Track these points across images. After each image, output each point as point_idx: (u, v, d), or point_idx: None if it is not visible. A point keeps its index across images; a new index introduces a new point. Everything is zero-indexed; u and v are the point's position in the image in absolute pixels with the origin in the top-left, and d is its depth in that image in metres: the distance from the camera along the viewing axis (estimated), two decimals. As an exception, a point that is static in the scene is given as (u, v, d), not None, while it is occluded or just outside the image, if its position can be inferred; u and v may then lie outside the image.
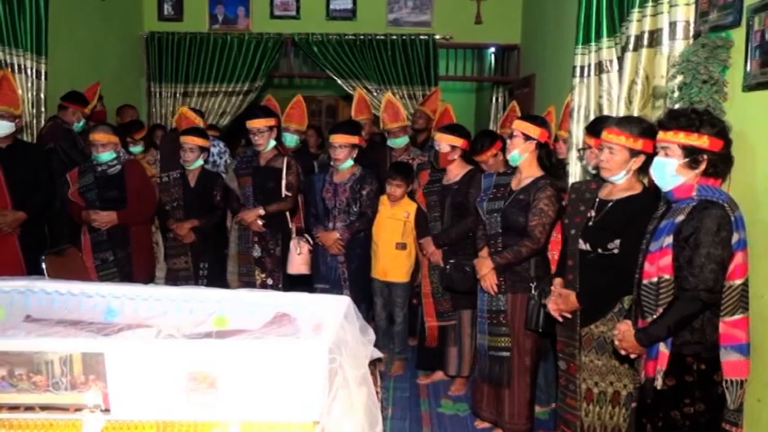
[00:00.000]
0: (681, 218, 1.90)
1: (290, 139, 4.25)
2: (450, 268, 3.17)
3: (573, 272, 2.42)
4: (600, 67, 3.14)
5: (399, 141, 4.22)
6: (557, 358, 2.67)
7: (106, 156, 3.57)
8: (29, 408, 1.55)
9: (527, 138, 2.73)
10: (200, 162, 3.83)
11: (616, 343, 2.09)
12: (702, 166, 1.92)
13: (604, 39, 3.10)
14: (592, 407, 2.38)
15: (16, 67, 3.87)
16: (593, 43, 3.19)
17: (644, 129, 2.24)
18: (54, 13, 4.20)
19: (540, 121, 2.84)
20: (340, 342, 1.73)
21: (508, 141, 2.80)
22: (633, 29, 2.74)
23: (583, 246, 2.38)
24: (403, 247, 3.74)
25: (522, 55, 6.31)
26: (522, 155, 2.76)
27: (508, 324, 2.80)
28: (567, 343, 2.48)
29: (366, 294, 3.84)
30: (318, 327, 1.98)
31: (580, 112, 3.27)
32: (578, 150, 3.13)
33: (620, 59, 2.92)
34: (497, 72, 6.86)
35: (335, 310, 1.95)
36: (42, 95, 4.10)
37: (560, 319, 2.46)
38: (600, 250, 2.32)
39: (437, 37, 6.21)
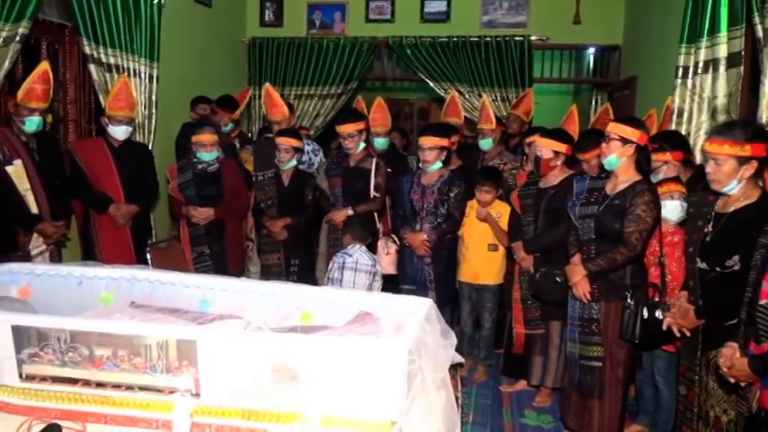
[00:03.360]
0: None
1: (380, 143, 4.30)
2: (540, 277, 3.07)
3: (694, 293, 2.30)
4: (704, 67, 2.94)
5: (484, 143, 4.18)
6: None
7: (209, 155, 3.77)
8: (129, 387, 1.67)
9: (625, 141, 2.60)
10: (294, 162, 3.96)
11: (724, 370, 1.95)
12: None
13: (704, 39, 2.90)
14: None
15: (132, 71, 4.18)
16: (704, 39, 2.99)
17: (751, 133, 2.07)
18: (166, 22, 4.49)
19: (638, 123, 2.68)
20: (420, 344, 1.72)
21: (603, 145, 2.67)
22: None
23: (700, 264, 2.24)
24: (495, 248, 3.68)
25: (624, 55, 6.02)
26: (619, 159, 2.62)
27: (601, 333, 2.67)
28: (689, 368, 2.37)
29: (451, 298, 3.81)
30: (400, 327, 1.99)
31: (682, 115, 3.08)
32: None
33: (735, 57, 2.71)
34: (596, 74, 6.59)
35: (417, 311, 1.94)
36: (154, 98, 4.40)
37: (678, 334, 2.33)
38: (718, 269, 2.17)
39: (533, 38, 6.05)
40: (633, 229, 2.55)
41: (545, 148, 3.23)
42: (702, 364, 2.30)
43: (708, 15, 2.90)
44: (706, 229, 2.25)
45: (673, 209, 2.79)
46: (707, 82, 3.03)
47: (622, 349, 2.67)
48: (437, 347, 1.86)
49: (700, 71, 3.05)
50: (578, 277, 2.67)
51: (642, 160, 2.66)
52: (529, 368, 3.47)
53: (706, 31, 2.92)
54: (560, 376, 3.26)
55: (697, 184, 2.80)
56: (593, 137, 3.19)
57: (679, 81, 3.15)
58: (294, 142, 3.91)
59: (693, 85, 3.11)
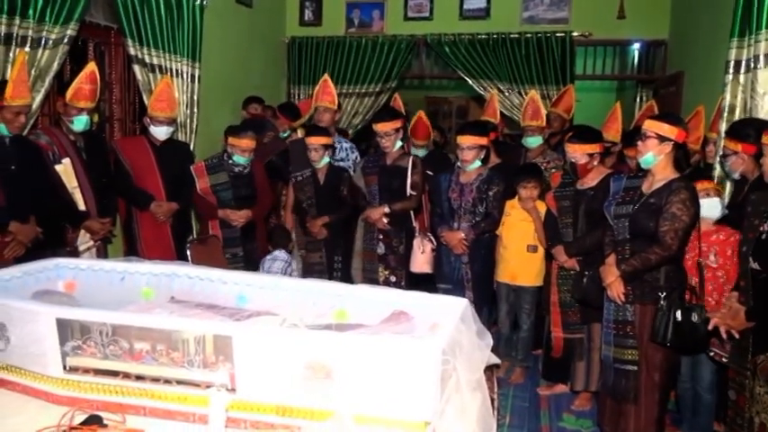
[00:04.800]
0: None
1: (420, 153, 4.30)
2: (587, 280, 2.99)
3: (745, 293, 2.22)
4: (756, 62, 2.81)
5: (533, 141, 4.08)
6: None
7: (244, 160, 3.78)
8: (167, 380, 1.70)
9: (662, 139, 2.51)
10: (327, 160, 3.97)
11: None
12: None
13: (764, 31, 2.77)
14: None
15: (175, 71, 4.27)
16: (762, 31, 2.85)
17: None
18: (207, 23, 4.57)
19: (675, 120, 2.59)
20: (455, 344, 1.70)
21: (639, 143, 2.58)
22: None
23: (753, 265, 2.16)
24: (534, 249, 3.62)
25: (670, 51, 5.84)
26: (656, 157, 2.53)
27: (636, 336, 2.60)
28: (738, 371, 2.29)
29: (488, 298, 3.76)
30: (435, 327, 1.97)
31: (734, 112, 2.95)
32: (720, 157, 2.85)
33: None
34: (641, 70, 6.40)
35: (452, 311, 1.92)
36: (195, 97, 4.48)
37: (724, 336, 2.25)
38: None
39: (575, 34, 5.93)
40: (668, 228, 2.47)
41: (578, 153, 3.15)
42: (750, 369, 2.21)
43: (766, 7, 2.76)
44: (762, 228, 2.16)
45: (711, 207, 2.69)
46: (764, 77, 2.88)
47: (659, 353, 2.58)
48: (472, 348, 1.84)
49: (755, 66, 2.90)
50: (612, 278, 2.60)
51: (681, 158, 2.58)
52: (571, 373, 3.40)
53: (765, 24, 2.78)
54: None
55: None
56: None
57: (730, 77, 3.01)
58: (323, 140, 3.93)
59: (747, 81, 2.97)
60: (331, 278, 3.79)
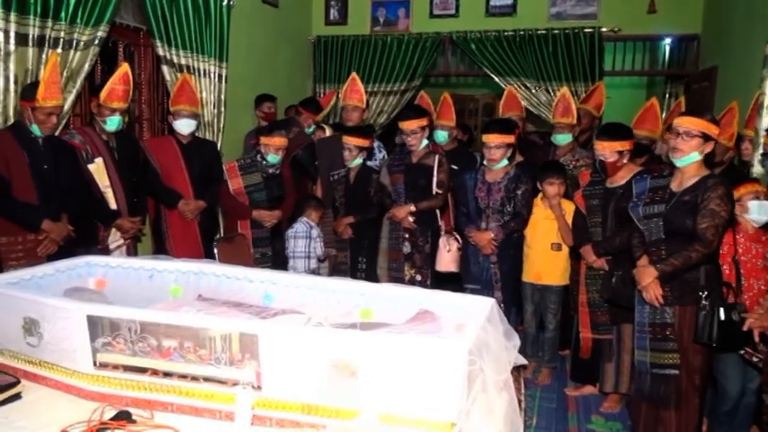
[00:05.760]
0: None
1: (441, 136, 4.25)
2: (617, 280, 2.94)
3: None
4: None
5: (562, 138, 4.01)
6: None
7: (277, 159, 3.79)
8: (194, 378, 1.71)
9: (706, 138, 2.45)
10: (359, 161, 3.98)
11: None
12: None
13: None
14: None
15: (202, 71, 4.32)
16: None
17: None
18: (234, 23, 4.61)
19: (712, 117, 2.55)
20: (481, 344, 1.68)
21: (678, 141, 2.51)
22: None
23: None
24: (558, 247, 3.57)
25: (703, 45, 5.70)
26: (699, 156, 2.48)
27: (676, 339, 2.53)
28: None
29: (517, 297, 3.72)
30: (461, 327, 1.95)
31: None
32: (761, 155, 2.77)
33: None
34: (672, 65, 6.26)
35: (478, 311, 1.90)
36: (222, 97, 4.53)
37: (757, 338, 2.20)
38: None
39: (604, 29, 5.82)
40: (708, 225, 2.41)
41: (607, 150, 3.09)
42: None
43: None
44: None
45: (759, 209, 2.63)
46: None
47: (699, 355, 2.52)
48: (499, 348, 1.81)
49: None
50: (649, 279, 2.54)
51: (710, 154, 2.54)
52: (600, 375, 3.34)
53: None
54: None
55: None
56: None
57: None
58: (358, 141, 3.93)
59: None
60: (354, 278, 3.78)
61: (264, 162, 3.80)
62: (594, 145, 3.16)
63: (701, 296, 2.44)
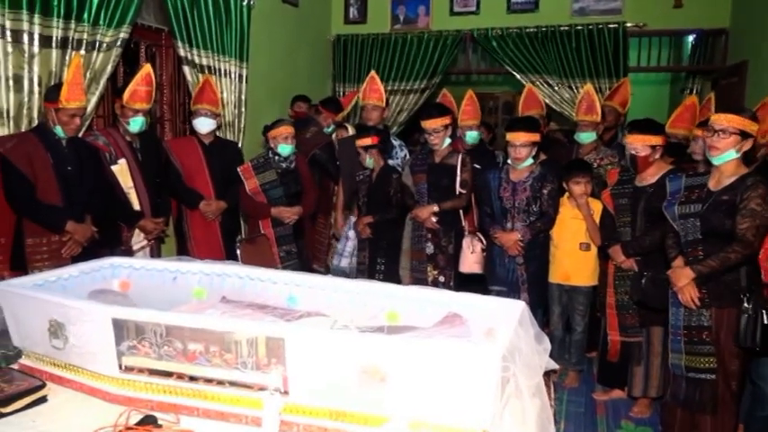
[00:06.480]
0: None
1: (472, 136, 4.19)
2: (647, 281, 2.86)
3: None
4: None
5: (585, 136, 3.93)
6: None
7: (288, 148, 3.77)
8: (220, 382, 1.68)
9: (745, 135, 2.37)
10: (371, 161, 3.95)
11: None
12: None
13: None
14: None
15: (223, 72, 4.32)
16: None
17: None
18: (255, 23, 4.60)
19: (751, 113, 2.46)
20: (514, 349, 1.63)
21: (714, 139, 2.42)
22: None
23: None
24: (587, 247, 3.49)
25: (732, 40, 5.56)
26: (737, 154, 2.40)
27: (713, 342, 2.46)
28: None
29: (544, 299, 3.65)
30: (490, 331, 1.90)
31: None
32: None
33: None
34: (698, 60, 6.12)
35: (509, 314, 1.84)
36: (243, 97, 4.52)
37: None
38: None
39: (628, 25, 5.71)
40: (748, 225, 2.34)
41: (639, 144, 3.01)
42: None
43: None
44: None
45: None
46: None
47: (736, 359, 2.44)
48: (531, 353, 1.76)
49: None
50: (685, 281, 2.46)
51: (748, 152, 2.46)
52: (629, 379, 3.26)
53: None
54: (663, 385, 3.03)
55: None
56: None
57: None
58: (361, 141, 3.92)
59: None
60: (372, 279, 3.75)
61: (277, 157, 3.78)
62: (626, 139, 3.09)
63: (741, 298, 2.37)
